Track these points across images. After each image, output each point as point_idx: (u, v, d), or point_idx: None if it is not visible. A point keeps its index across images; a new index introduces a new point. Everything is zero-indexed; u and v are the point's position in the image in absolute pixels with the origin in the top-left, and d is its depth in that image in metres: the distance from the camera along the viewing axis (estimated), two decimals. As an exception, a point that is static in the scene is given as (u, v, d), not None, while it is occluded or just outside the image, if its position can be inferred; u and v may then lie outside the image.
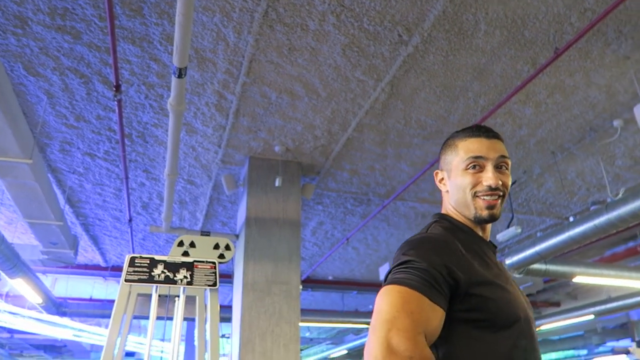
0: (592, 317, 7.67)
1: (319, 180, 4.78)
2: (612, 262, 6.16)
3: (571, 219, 4.41)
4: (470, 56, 3.17)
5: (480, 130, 1.16)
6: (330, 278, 8.02)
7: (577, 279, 5.45)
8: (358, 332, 12.50)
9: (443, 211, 1.22)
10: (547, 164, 4.57)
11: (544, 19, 2.88)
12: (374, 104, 3.65)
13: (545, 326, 8.55)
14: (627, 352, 9.13)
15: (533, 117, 3.86)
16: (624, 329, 10.79)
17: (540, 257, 4.79)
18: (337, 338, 14.08)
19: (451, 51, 3.12)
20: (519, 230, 4.75)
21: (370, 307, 10.69)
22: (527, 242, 4.86)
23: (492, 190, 1.10)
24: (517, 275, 5.39)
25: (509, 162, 1.17)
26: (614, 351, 10.56)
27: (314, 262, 7.21)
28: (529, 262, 4.92)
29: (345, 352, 13.80)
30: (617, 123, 3.84)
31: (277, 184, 4.14)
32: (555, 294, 8.88)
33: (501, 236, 4.91)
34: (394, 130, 4.00)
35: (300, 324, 4.01)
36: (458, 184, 1.14)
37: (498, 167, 1.13)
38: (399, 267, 0.98)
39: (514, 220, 5.03)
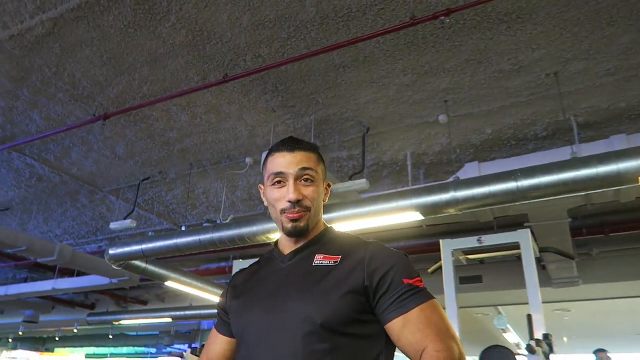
0: (170, 320, 8.30)
1: None
2: (203, 275, 6.87)
3: (183, 228, 4.70)
4: (151, 40, 3.08)
5: (283, 144, 1.18)
6: None
7: (168, 283, 5.80)
8: None
9: None
10: (182, 172, 4.81)
11: (227, 44, 3.08)
12: (26, 33, 3.06)
13: (129, 321, 8.73)
14: (182, 357, 10.20)
15: (186, 126, 4.02)
16: (193, 336, 12.09)
17: (144, 256, 4.88)
18: None
19: (134, 24, 2.95)
20: (134, 225, 4.75)
21: None
22: (137, 239, 4.90)
23: (293, 205, 1.12)
24: (115, 268, 5.34)
25: (317, 173, 1.17)
26: (171, 354, 11.64)
27: None
28: (132, 257, 4.95)
29: None
30: (248, 160, 4.40)
31: None
32: (146, 293, 9.22)
33: (115, 225, 4.80)
34: (39, 73, 3.45)
35: None
36: (269, 200, 1.18)
37: (301, 180, 1.14)
38: None
39: (133, 214, 5.01)
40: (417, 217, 3.50)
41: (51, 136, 4.09)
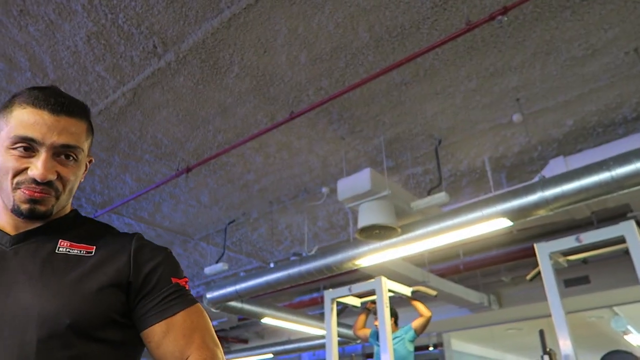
0: (271, 356, 8.45)
1: (22, 170, 4.09)
2: (297, 308, 6.96)
3: (271, 265, 4.83)
4: (219, 92, 3.27)
5: (47, 100, 0.85)
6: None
7: (265, 320, 5.94)
8: None
9: None
10: (264, 211, 4.97)
11: (289, 83, 3.20)
12: (111, 106, 3.37)
13: (232, 361, 9.02)
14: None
15: (261, 166, 4.17)
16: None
17: (239, 296, 5.07)
18: None
19: (202, 81, 3.16)
20: (226, 267, 4.95)
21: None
22: (230, 280, 5.09)
23: (37, 184, 0.84)
24: (214, 310, 5.56)
25: (84, 150, 0.90)
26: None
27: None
28: (228, 299, 5.16)
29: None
30: (324, 190, 4.47)
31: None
32: (245, 331, 9.47)
33: (208, 270, 5.04)
34: (126, 140, 3.76)
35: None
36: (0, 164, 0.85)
37: (60, 156, 0.86)
38: None
39: (224, 257, 5.23)
40: (505, 223, 3.35)
41: (143, 195, 4.41)
